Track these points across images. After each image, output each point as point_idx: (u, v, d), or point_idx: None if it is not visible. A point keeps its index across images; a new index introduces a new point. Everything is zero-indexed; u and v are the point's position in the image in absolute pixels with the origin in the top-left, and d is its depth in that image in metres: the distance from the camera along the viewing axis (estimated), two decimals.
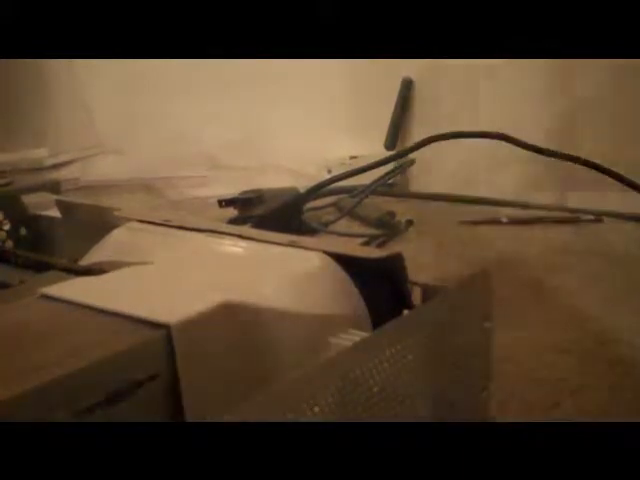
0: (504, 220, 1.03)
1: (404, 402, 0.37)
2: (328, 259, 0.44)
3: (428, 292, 0.45)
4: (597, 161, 0.96)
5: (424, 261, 0.91)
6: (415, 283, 0.53)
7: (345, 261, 0.44)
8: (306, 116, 1.44)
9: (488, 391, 0.42)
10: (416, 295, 0.45)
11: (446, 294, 0.41)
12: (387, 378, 0.35)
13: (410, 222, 1.08)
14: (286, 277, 0.42)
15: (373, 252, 0.47)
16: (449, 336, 0.40)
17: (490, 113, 1.27)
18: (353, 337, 0.38)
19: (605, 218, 1.06)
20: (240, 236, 0.47)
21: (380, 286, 0.45)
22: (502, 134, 1.19)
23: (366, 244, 0.98)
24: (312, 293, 0.41)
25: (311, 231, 1.05)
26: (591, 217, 1.07)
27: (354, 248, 0.47)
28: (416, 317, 0.39)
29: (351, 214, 1.13)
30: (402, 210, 1.16)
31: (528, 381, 0.59)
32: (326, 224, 1.10)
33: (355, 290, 0.43)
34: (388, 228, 1.07)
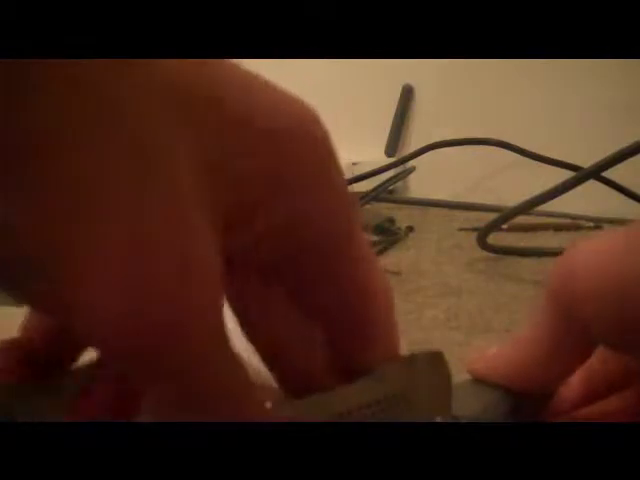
0: (504, 227, 1.02)
1: None
2: None
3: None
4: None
5: (424, 268, 0.91)
6: None
7: None
8: None
9: None
10: None
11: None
12: None
13: (410, 228, 1.08)
14: None
15: None
16: None
17: (490, 120, 1.27)
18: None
19: (605, 225, 1.06)
20: None
21: None
22: (502, 141, 1.19)
23: None
24: None
25: None
26: (591, 224, 1.07)
27: None
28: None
29: None
30: (402, 216, 1.15)
31: None
32: None
33: None
34: (388, 234, 1.06)
